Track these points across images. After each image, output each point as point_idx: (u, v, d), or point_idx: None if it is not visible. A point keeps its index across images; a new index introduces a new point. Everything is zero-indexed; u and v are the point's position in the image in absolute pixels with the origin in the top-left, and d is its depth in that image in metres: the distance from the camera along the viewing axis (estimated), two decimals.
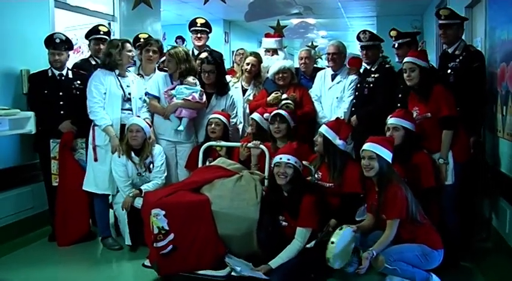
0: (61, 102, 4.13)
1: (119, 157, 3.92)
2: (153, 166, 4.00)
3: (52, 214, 4.20)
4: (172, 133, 4.17)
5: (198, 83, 4.20)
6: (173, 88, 4.14)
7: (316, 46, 7.98)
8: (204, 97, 4.19)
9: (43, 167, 4.24)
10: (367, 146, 3.11)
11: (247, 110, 4.57)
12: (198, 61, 4.45)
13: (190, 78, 4.17)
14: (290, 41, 10.32)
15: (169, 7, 8.15)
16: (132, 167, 3.95)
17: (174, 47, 4.30)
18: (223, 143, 4.03)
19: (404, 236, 3.04)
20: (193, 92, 4.11)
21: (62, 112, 4.12)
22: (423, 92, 3.52)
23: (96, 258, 3.93)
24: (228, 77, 4.78)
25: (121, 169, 3.92)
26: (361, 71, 4.61)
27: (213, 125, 4.06)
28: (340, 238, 2.99)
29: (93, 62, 4.52)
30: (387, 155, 3.08)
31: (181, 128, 4.10)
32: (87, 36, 4.66)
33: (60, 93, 4.13)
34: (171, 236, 3.27)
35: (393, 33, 4.21)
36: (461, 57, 3.73)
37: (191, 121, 4.21)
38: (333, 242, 2.96)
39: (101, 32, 4.60)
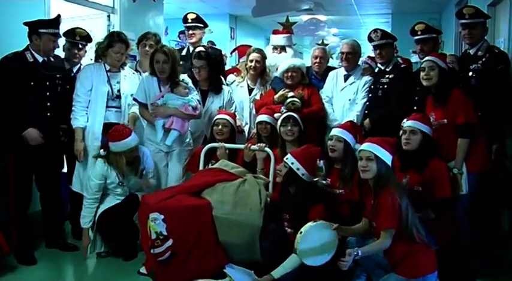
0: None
1: (80, 161, 3.94)
2: (145, 172, 3.96)
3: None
4: (163, 143, 4.02)
5: (190, 89, 4.04)
6: (161, 96, 3.94)
7: (327, 44, 7.97)
8: (200, 107, 4.09)
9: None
10: (365, 146, 3.04)
11: (254, 111, 4.55)
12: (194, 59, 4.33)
13: (182, 88, 3.97)
14: (299, 39, 10.31)
15: (172, 0, 8.16)
16: (114, 177, 3.85)
17: (162, 45, 4.08)
18: (225, 144, 3.98)
19: (398, 249, 2.90)
20: (185, 102, 3.94)
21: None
22: (441, 96, 3.48)
23: (89, 265, 3.91)
24: (232, 76, 4.78)
25: (97, 181, 3.81)
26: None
27: (220, 126, 4.01)
28: (311, 229, 2.94)
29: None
30: (387, 157, 2.98)
31: (168, 142, 3.94)
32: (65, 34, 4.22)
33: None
34: (170, 242, 3.27)
35: (420, 26, 4.14)
36: (484, 59, 3.70)
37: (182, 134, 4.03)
38: (301, 232, 2.93)
39: (77, 37, 4.22)
